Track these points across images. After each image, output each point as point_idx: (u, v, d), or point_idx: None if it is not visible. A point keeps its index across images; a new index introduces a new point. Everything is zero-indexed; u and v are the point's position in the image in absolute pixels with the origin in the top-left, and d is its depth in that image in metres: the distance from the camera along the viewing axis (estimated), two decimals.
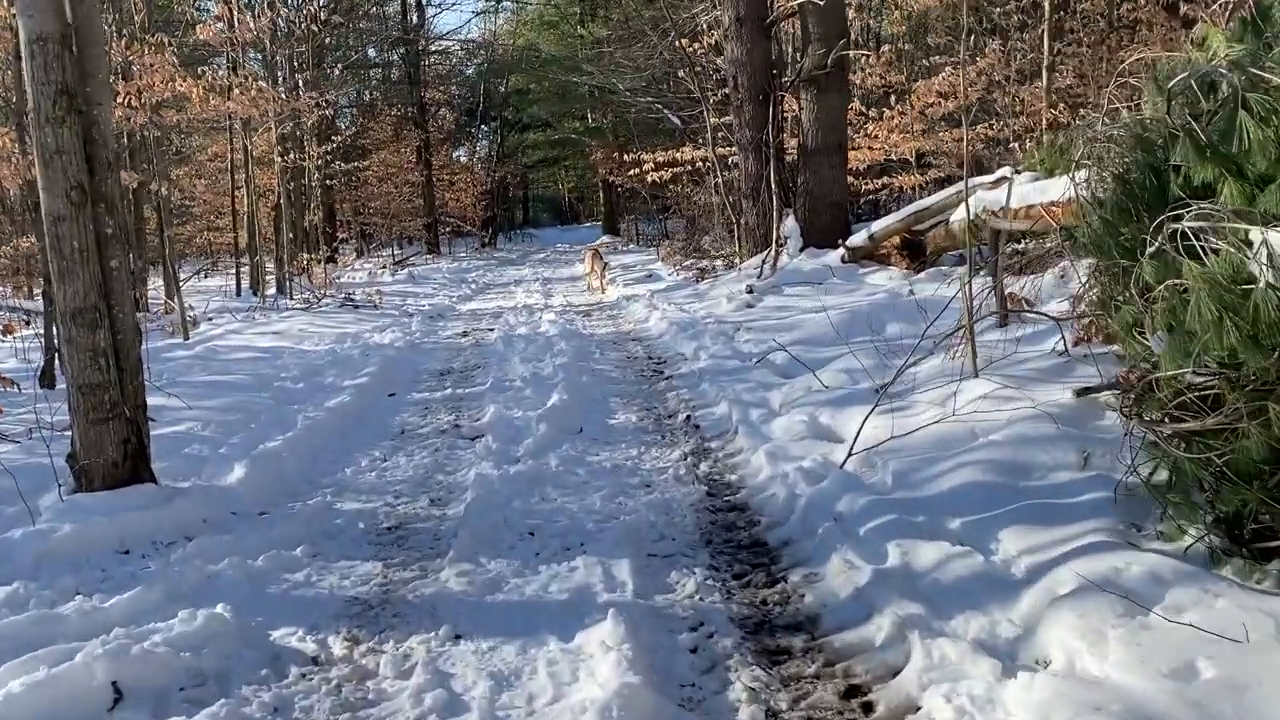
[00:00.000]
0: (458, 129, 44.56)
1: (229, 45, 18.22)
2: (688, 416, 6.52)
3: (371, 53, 41.90)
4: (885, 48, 13.99)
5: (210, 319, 14.49)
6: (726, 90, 17.93)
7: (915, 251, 11.06)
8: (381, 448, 6.53)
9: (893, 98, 15.91)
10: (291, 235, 23.45)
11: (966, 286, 5.98)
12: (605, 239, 39.26)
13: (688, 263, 18.45)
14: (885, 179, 15.62)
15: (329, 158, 22.61)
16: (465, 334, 11.39)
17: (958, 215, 10.18)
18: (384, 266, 24.09)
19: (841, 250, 11.44)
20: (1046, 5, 14.65)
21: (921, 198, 17.98)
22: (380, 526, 5.04)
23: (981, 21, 17.73)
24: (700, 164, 20.20)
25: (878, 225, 11.22)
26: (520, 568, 4.34)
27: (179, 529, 5.10)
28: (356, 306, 15.49)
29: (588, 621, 3.73)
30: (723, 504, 5.01)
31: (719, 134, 18.43)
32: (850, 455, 4.96)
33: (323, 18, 23.92)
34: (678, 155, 18.90)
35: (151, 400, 7.70)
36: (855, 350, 6.82)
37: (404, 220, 37.17)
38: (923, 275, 10.09)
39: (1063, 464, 4.44)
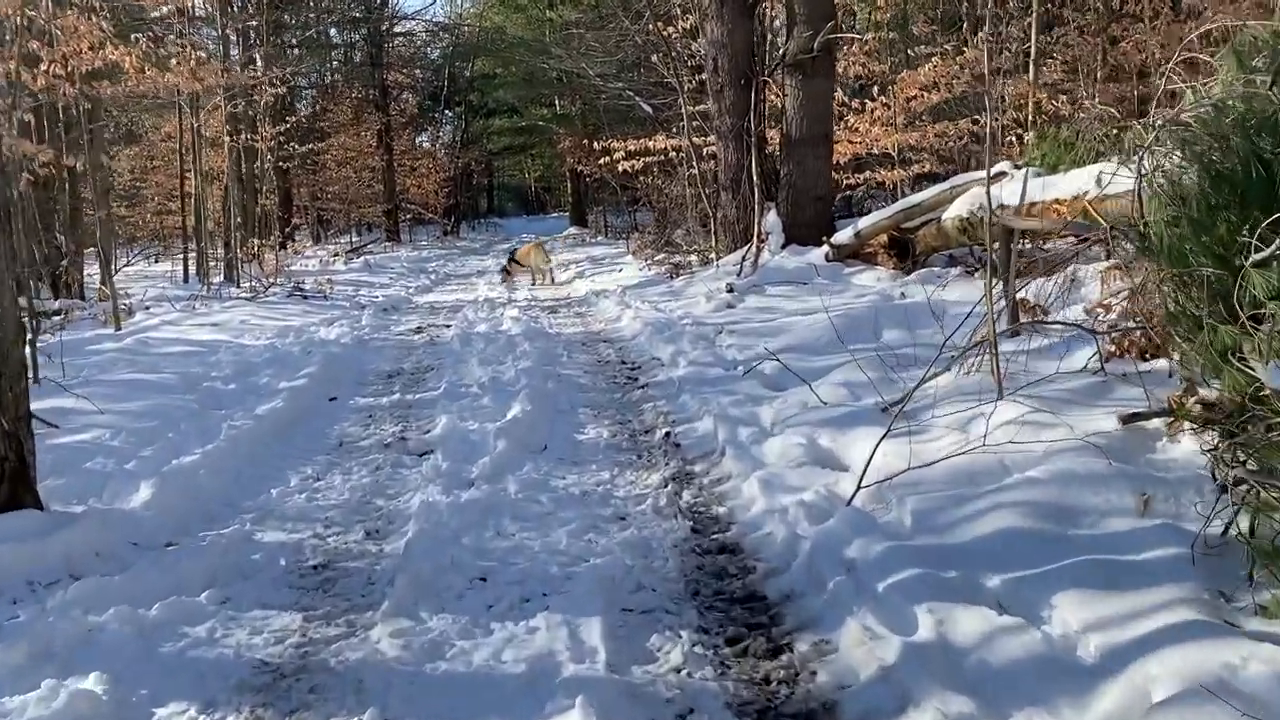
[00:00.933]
0: (421, 113, 43.47)
1: (177, 15, 17.18)
2: (667, 433, 5.76)
3: (334, 34, 40.78)
4: (868, 35, 13.28)
5: (148, 307, 13.51)
6: (702, 77, 17.18)
7: (903, 251, 10.38)
8: (316, 463, 5.72)
9: (875, 89, 15.23)
10: (242, 220, 22.41)
11: (987, 292, 5.28)
12: (572, 230, 38.45)
13: (659, 257, 17.69)
14: (867, 174, 14.93)
15: (283, 139, 21.55)
16: (419, 330, 10.55)
17: (951, 213, 9.53)
18: (338, 254, 23.08)
19: (826, 248, 10.73)
20: None
21: (906, 194, 17.39)
22: (305, 564, 4.25)
23: (966, 9, 17.13)
24: (673, 154, 19.45)
25: (865, 222, 10.52)
26: (468, 626, 3.57)
27: (65, 565, 4.28)
28: (305, 297, 14.57)
29: (550, 709, 2.98)
30: (711, 544, 4.26)
31: (693, 123, 17.67)
32: (860, 488, 4.24)
33: None
34: (650, 144, 18.11)
35: (59, 402, 6.85)
36: (853, 359, 6.11)
37: (363, 206, 36.07)
38: (913, 277, 9.41)
39: (1118, 508, 3.75)
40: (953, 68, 14.92)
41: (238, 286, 16.39)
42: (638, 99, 25.00)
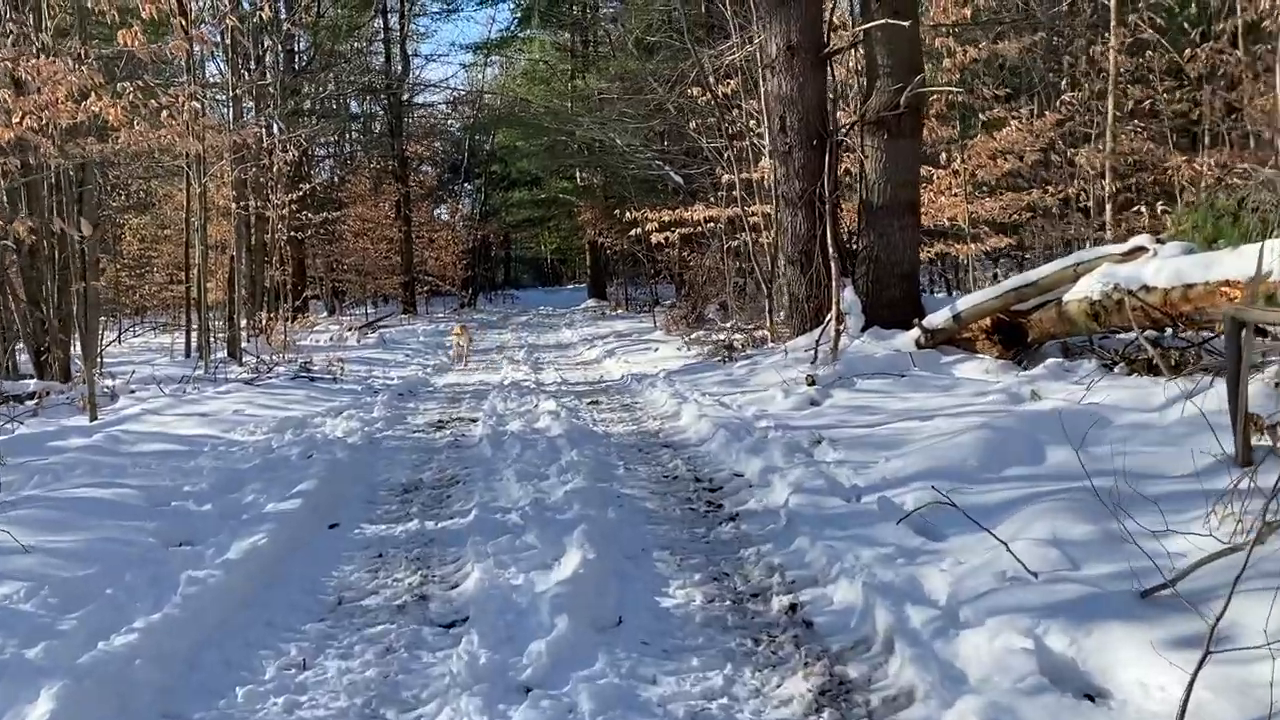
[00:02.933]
0: (440, 185, 42.67)
1: (188, 74, 16.02)
2: (792, 605, 4.12)
3: (354, 104, 40.12)
4: (953, 89, 11.92)
5: (133, 391, 12.02)
6: (742, 144, 15.88)
7: (1010, 337, 8.83)
8: (304, 641, 4.10)
9: (943, 156, 13.88)
10: (250, 292, 21.06)
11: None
12: (591, 303, 37.20)
13: (695, 335, 16.20)
14: (941, 246, 13.50)
15: (295, 207, 20.29)
16: (441, 425, 8.97)
17: (1077, 293, 7.98)
18: (351, 329, 21.65)
19: (916, 332, 9.19)
20: (1112, 57, 12.72)
21: (975, 271, 15.93)
22: None
23: (1036, 78, 15.83)
24: (704, 225, 18.12)
25: (965, 303, 8.98)
26: None
27: None
28: (312, 379, 13.06)
29: None
30: None
31: (733, 192, 16.34)
32: None
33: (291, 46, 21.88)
34: (687, 214, 16.75)
35: None
36: (1046, 497, 4.51)
37: (380, 278, 34.99)
38: (1040, 370, 7.83)
39: None
40: (1026, 135, 13.56)
41: (240, 364, 14.93)
42: (668, 168, 23.82)
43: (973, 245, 13.62)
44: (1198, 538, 3.71)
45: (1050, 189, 15.05)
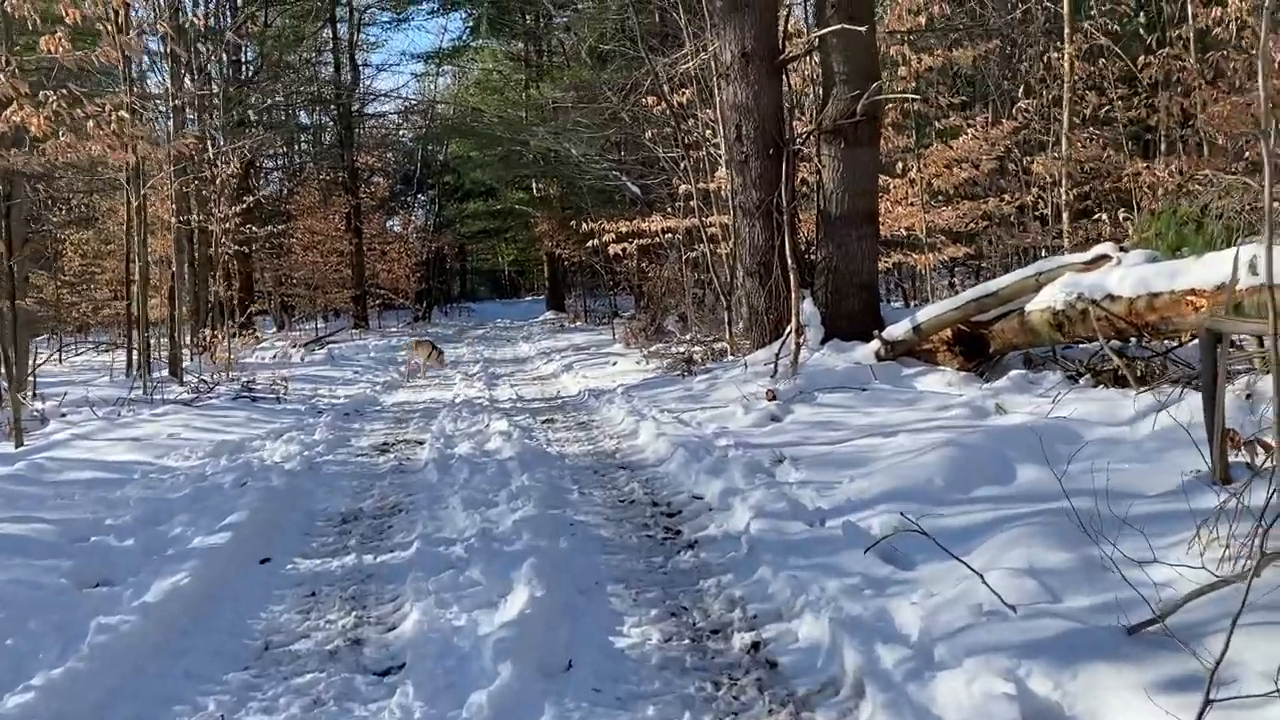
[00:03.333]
0: (392, 197, 42.09)
1: (124, 65, 15.45)
2: (755, 644, 3.83)
3: (304, 117, 39.46)
4: (911, 96, 11.77)
5: (64, 414, 11.49)
6: (699, 154, 15.67)
7: (972, 348, 8.65)
8: (223, 694, 3.74)
9: (899, 165, 13.75)
10: (191, 308, 20.46)
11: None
12: (549, 315, 36.80)
13: (654, 347, 15.92)
14: (898, 256, 13.35)
15: (239, 220, 19.73)
16: (386, 448, 8.59)
17: (1040, 303, 7.81)
18: (298, 345, 21.11)
19: (876, 344, 8.97)
20: (1067, 64, 12.67)
21: (932, 282, 15.83)
22: None
23: (991, 86, 15.79)
24: (662, 236, 17.88)
25: (925, 314, 8.79)
26: None
27: None
28: (254, 399, 12.58)
29: None
30: None
31: (690, 202, 16.13)
32: None
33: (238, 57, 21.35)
34: (644, 225, 16.49)
35: None
36: (1012, 519, 4.28)
37: (330, 292, 34.33)
38: (1003, 383, 7.64)
39: None
40: (982, 143, 13.46)
41: (181, 384, 14.41)
42: (625, 179, 23.56)
43: (930, 255, 13.48)
44: (1185, 567, 3.47)
45: (1007, 197, 15.00)
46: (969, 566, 3.70)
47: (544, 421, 9.53)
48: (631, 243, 16.96)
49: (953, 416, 6.78)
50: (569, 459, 7.45)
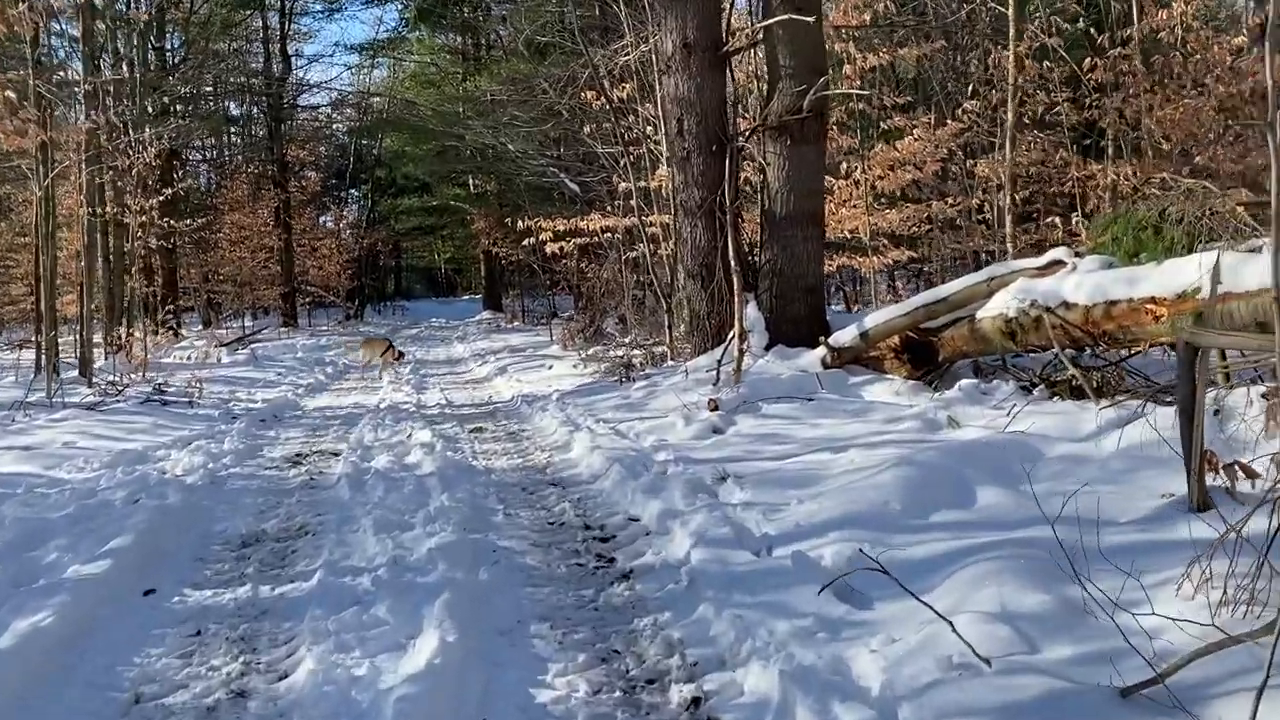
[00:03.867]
0: (325, 191, 41.01)
1: (32, 49, 14.52)
2: (695, 698, 3.37)
3: (234, 108, 38.24)
4: (834, 105, 11.43)
5: None
6: (638, 152, 15.23)
7: (920, 356, 8.31)
8: None
9: (843, 166, 13.44)
10: (106, 305, 19.45)
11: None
12: (486, 315, 36.09)
13: (592, 350, 15.44)
14: (842, 259, 13.03)
15: (158, 212, 18.78)
16: (299, 459, 7.97)
17: (991, 310, 7.49)
18: (220, 345, 20.21)
19: (822, 351, 8.59)
20: (1011, 65, 12.47)
21: (885, 283, 15.57)
22: None
23: (936, 86, 15.59)
24: (601, 235, 17.41)
25: (873, 320, 8.43)
26: None
27: None
28: (165, 403, 11.83)
29: None
30: None
31: (629, 200, 15.68)
32: None
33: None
34: (583, 224, 16.00)
35: None
36: (976, 550, 3.89)
37: (258, 289, 33.31)
38: (955, 393, 7.29)
39: None
40: (926, 144, 13.22)
41: (90, 385, 13.54)
42: (563, 176, 23.03)
43: (874, 258, 13.20)
44: (1186, 621, 3.08)
45: (950, 200, 14.80)
46: (935, 611, 3.29)
47: (472, 431, 8.98)
48: (569, 242, 16.47)
49: (904, 430, 6.41)
50: (496, 474, 6.92)
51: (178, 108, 32.61)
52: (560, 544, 5.16)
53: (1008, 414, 6.33)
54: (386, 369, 15.96)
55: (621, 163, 15.97)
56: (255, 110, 37.49)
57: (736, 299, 8.50)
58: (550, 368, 14.47)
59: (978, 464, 5.15)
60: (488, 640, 3.92)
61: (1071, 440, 5.58)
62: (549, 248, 16.48)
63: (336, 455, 7.84)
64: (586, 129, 16.57)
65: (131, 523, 5.68)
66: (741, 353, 8.28)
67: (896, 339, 8.37)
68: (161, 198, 19.05)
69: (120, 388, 12.58)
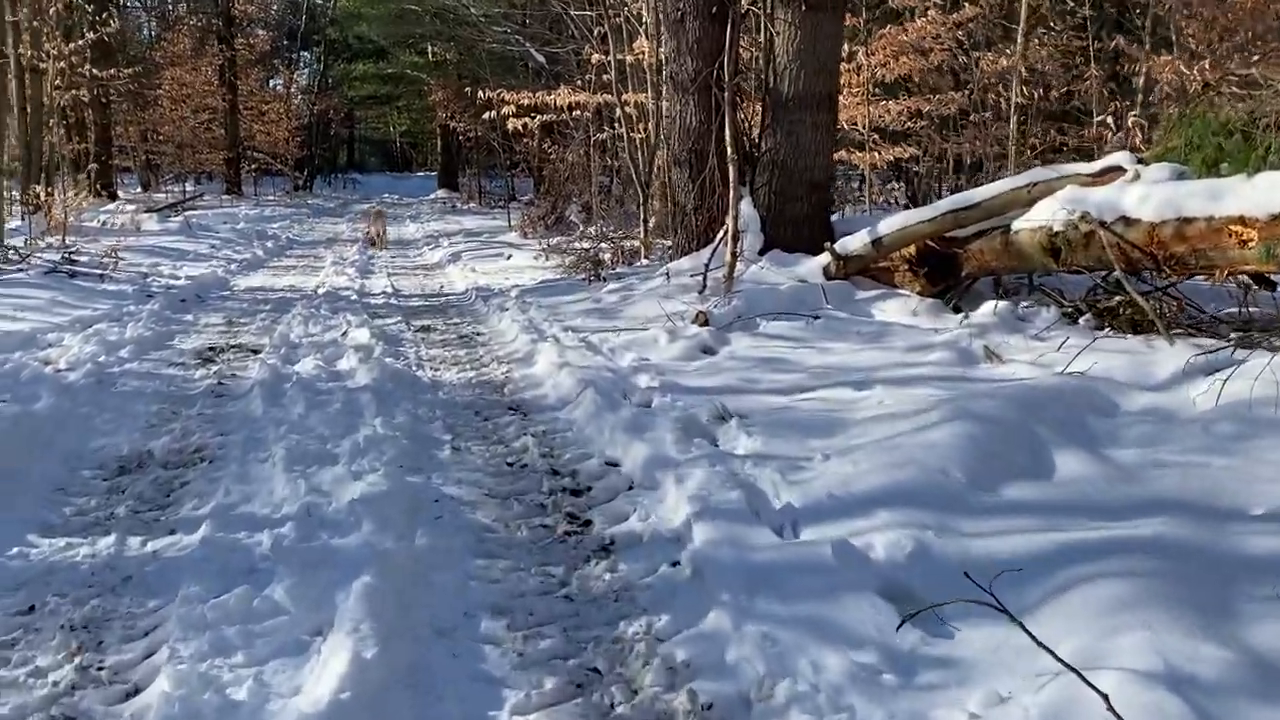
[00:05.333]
0: (274, 52, 38.46)
1: None
2: None
3: None
4: None
5: None
6: (615, 19, 13.73)
7: (938, 270, 7.24)
8: None
9: (844, 49, 12.06)
10: (22, 161, 17.65)
11: None
12: (441, 193, 34.40)
13: (555, 240, 14.20)
14: (840, 154, 11.78)
15: (76, 58, 16.89)
16: (211, 356, 6.75)
17: (1031, 221, 6.41)
18: (152, 210, 18.57)
19: (826, 258, 7.47)
20: None
21: (876, 186, 14.39)
22: None
23: None
24: (569, 113, 15.95)
25: (889, 225, 7.28)
26: None
27: None
28: (73, 274, 10.46)
29: None
30: None
31: (603, 76, 14.27)
32: None
33: None
34: (549, 99, 14.52)
35: None
36: (1084, 550, 2.89)
37: (201, 153, 31.29)
38: (985, 316, 6.25)
39: None
40: (940, 28, 11.90)
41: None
42: (528, 45, 21.32)
43: (871, 155, 11.98)
44: None
45: (955, 94, 13.57)
46: (1088, 682, 2.26)
47: (419, 331, 7.78)
48: (534, 119, 15.00)
49: (935, 362, 5.37)
50: (444, 390, 5.78)
51: None
52: (521, 495, 4.09)
53: (1058, 348, 5.32)
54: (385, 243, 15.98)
55: (595, 31, 14.49)
56: None
57: (731, 192, 7.29)
58: (509, 258, 13.24)
59: (1046, 418, 4.13)
60: (422, 648, 2.87)
61: (1150, 389, 4.59)
62: (510, 124, 15.01)
63: (256, 354, 6.62)
64: None
65: None
66: (735, 256, 7.13)
67: (913, 249, 7.28)
68: (83, 40, 17.12)
69: (23, 255, 11.14)
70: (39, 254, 11.46)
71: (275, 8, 39.55)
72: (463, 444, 4.73)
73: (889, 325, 6.40)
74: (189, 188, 30.61)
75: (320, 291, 10.29)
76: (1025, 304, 6.56)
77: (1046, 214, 6.32)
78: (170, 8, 37.63)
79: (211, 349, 6.94)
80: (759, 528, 3.42)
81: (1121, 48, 9.65)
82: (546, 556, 3.53)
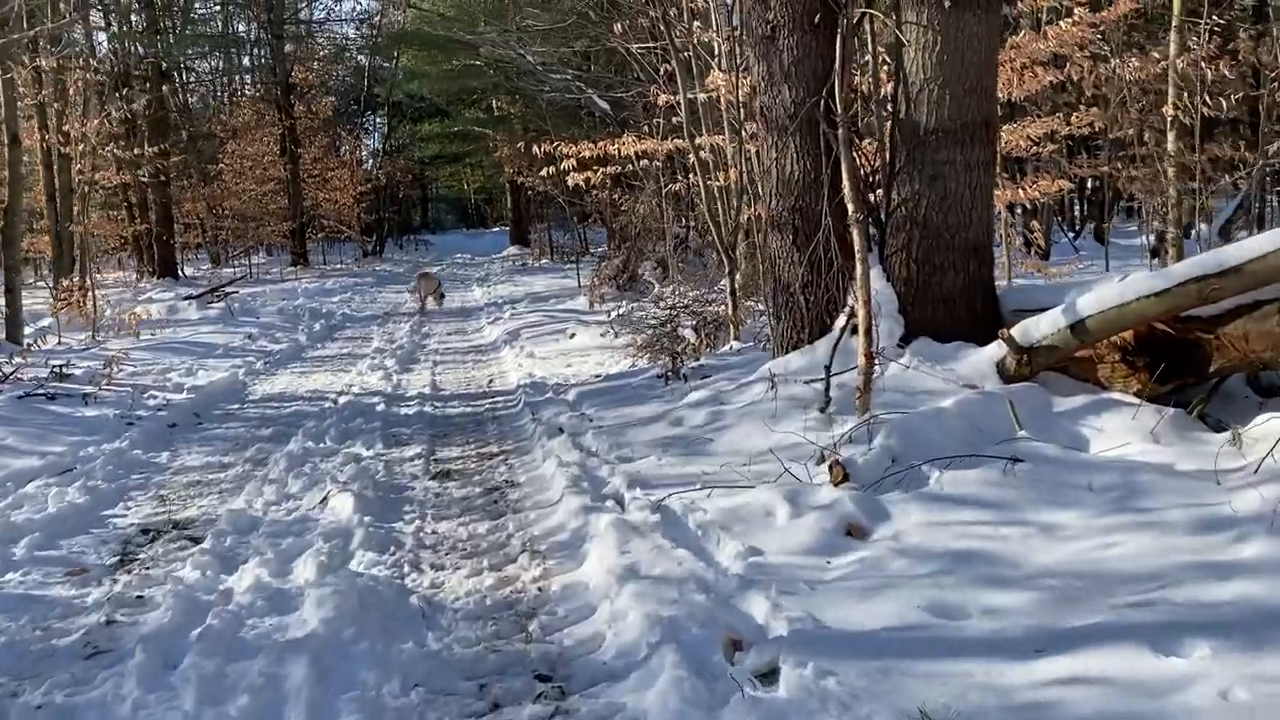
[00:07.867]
0: (338, 116, 37.67)
1: None
2: None
3: (242, 28, 34.86)
4: None
5: None
6: (684, 55, 11.74)
7: (1173, 363, 4.95)
8: None
9: None
10: (55, 251, 16.43)
11: None
12: (512, 250, 32.98)
13: (626, 309, 12.21)
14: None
15: (100, 138, 15.61)
16: (135, 550, 4.76)
17: None
18: (187, 298, 17.14)
19: (998, 350, 5.23)
20: None
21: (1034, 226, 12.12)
22: None
23: None
24: (636, 163, 14.05)
25: (1095, 301, 4.96)
26: None
27: None
28: (53, 396, 8.77)
29: None
30: None
31: (674, 117, 12.33)
32: None
33: None
34: (611, 149, 12.59)
35: None
36: None
37: (266, 224, 30.52)
38: (1273, 435, 3.95)
39: None
40: (1086, 31, 9.62)
41: (9, 359, 10.39)
42: (590, 92, 19.53)
43: (1013, 190, 9.69)
44: None
45: (1094, 110, 11.31)
46: None
47: (435, 478, 5.69)
48: (597, 171, 13.09)
49: (1257, 559, 3.12)
50: (439, 628, 3.61)
51: (167, 23, 29.41)
52: None
53: None
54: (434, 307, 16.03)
55: (661, 70, 12.58)
56: (255, 27, 34.03)
57: (859, 265, 5.10)
58: (572, 336, 11.28)
59: None
60: None
61: None
62: (572, 179, 13.11)
63: (198, 543, 4.62)
64: (618, 26, 13.08)
65: None
66: (869, 358, 4.94)
67: (1129, 334, 5.01)
68: (111, 117, 15.88)
69: (5, 375, 9.48)
70: (27, 368, 9.82)
71: (339, 73, 38.92)
72: None
73: (1133, 466, 4.12)
74: (259, 260, 29.74)
75: (342, 401, 8.41)
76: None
77: None
78: (227, 80, 37.25)
79: (145, 531, 4.98)
80: None
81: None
82: None
